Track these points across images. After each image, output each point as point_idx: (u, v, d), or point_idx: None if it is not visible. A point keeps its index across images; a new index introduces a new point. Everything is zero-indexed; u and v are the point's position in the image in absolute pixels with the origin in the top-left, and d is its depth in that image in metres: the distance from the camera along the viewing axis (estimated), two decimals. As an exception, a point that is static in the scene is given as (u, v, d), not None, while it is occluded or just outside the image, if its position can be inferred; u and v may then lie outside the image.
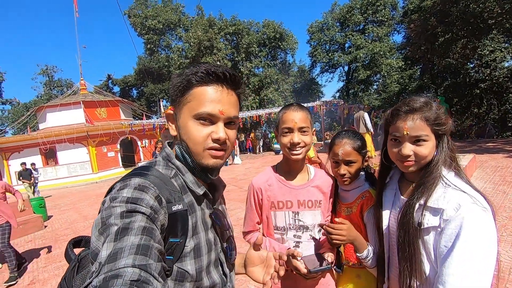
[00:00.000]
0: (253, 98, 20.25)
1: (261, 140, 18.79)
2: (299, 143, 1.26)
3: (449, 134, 1.08)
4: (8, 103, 28.62)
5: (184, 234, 0.72)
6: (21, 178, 9.98)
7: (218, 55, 17.70)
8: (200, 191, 0.79)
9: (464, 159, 6.35)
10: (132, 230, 0.56)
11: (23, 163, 10.13)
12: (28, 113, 19.39)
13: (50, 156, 15.23)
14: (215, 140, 0.75)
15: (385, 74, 21.36)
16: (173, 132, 0.81)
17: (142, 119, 17.76)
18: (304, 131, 1.28)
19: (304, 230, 1.32)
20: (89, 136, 15.02)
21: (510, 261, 3.03)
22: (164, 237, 0.67)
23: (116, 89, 29.82)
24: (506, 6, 10.35)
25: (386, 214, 1.20)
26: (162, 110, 21.73)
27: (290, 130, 1.28)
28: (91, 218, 7.14)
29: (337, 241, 1.22)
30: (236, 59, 20.04)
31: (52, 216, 7.94)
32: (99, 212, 0.65)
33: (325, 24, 23.73)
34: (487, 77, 14.25)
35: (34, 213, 6.81)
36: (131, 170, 0.77)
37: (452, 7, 10.20)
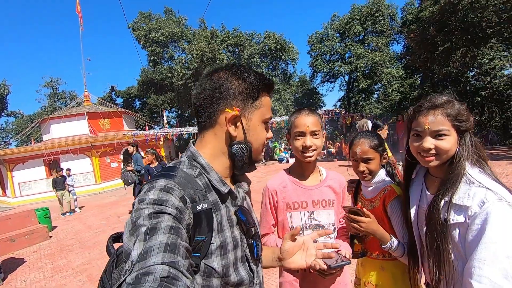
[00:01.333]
0: (255, 108, 20.44)
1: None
2: (311, 146, 1.32)
3: (471, 130, 1.09)
4: (13, 115, 28.95)
5: (210, 232, 0.74)
6: (55, 186, 9.31)
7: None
8: (225, 189, 0.81)
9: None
10: (160, 230, 0.59)
11: (60, 169, 9.57)
12: (32, 124, 19.58)
13: (53, 167, 15.27)
14: (268, 139, 0.90)
15: (386, 83, 21.57)
16: (234, 132, 0.80)
17: (145, 129, 17.90)
18: (316, 135, 1.34)
19: (320, 229, 1.36)
20: (92, 146, 15.12)
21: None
22: (190, 236, 0.69)
23: (119, 100, 30.11)
24: (504, 16, 10.56)
25: (413, 210, 1.23)
26: (165, 120, 21.91)
27: (303, 134, 1.33)
28: (95, 228, 7.13)
29: (356, 230, 1.29)
30: (238, 69, 20.33)
31: (56, 226, 7.94)
32: (130, 212, 0.69)
33: (325, 35, 24.13)
34: (487, 85, 14.35)
35: (39, 223, 6.82)
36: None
37: (450, 17, 10.41)
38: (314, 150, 1.33)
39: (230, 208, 0.83)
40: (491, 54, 13.00)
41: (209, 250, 0.73)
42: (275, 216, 1.42)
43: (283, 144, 17.91)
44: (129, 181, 6.86)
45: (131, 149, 7.27)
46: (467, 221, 1.00)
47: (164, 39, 21.24)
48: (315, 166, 1.44)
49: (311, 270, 1.27)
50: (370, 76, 22.21)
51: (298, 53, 23.22)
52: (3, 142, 26.81)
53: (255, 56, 20.35)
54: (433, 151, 1.07)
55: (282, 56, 22.51)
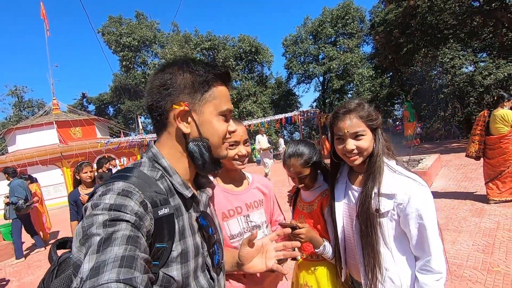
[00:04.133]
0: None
1: None
2: (244, 155, 1.38)
3: (381, 127, 1.24)
4: (-26, 126, 27.07)
5: (171, 239, 0.69)
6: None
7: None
8: (188, 193, 0.76)
9: (430, 159, 6.78)
10: (116, 240, 0.53)
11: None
12: (-4, 136, 18.44)
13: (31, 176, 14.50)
14: (231, 132, 0.83)
15: (358, 83, 22.36)
16: (186, 129, 0.75)
17: (120, 136, 17.39)
18: (247, 143, 1.40)
19: (257, 229, 1.42)
20: (63, 157, 14.49)
21: (468, 249, 3.29)
22: (150, 243, 0.64)
23: (92, 107, 29.10)
24: (460, 18, 11.34)
25: (339, 205, 1.33)
26: (141, 126, 21.39)
27: (236, 143, 1.37)
28: (66, 241, 6.86)
29: (298, 240, 1.34)
30: (214, 73, 20.30)
31: (24, 242, 7.55)
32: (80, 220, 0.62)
33: (299, 37, 24.66)
34: (449, 83, 15.24)
35: (4, 239, 6.47)
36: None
37: (411, 20, 11.04)
38: (247, 157, 1.40)
39: (193, 213, 0.79)
40: (451, 53, 13.84)
41: (169, 258, 0.69)
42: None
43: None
44: (7, 216, 5.76)
45: (6, 176, 6.03)
46: (395, 208, 1.15)
47: (136, 43, 20.80)
48: (241, 172, 1.50)
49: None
50: (343, 76, 22.95)
51: (272, 55, 23.50)
52: (-37, 156, 24.98)
53: (230, 60, 20.40)
54: (355, 151, 1.19)
55: (257, 59, 22.71)
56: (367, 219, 1.17)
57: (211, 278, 0.81)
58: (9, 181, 5.92)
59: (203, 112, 0.77)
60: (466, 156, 4.90)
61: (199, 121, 0.77)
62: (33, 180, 6.92)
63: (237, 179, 1.47)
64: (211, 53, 20.32)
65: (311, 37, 24.75)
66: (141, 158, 0.79)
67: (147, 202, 0.65)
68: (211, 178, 1.47)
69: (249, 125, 17.56)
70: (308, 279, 1.51)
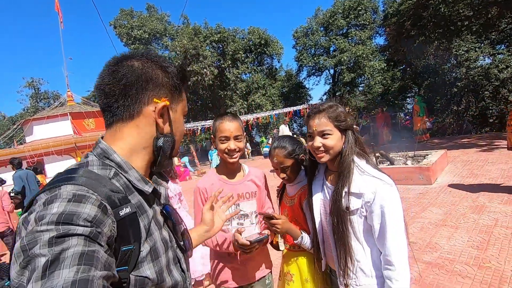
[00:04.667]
0: (241, 104, 20.53)
1: (246, 144, 18.82)
2: (235, 149, 1.51)
3: (352, 129, 1.32)
4: (-6, 117, 28.25)
5: (137, 239, 0.65)
6: None
7: (204, 62, 17.94)
8: (149, 188, 0.73)
9: (435, 155, 6.71)
10: (65, 261, 0.47)
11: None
12: (14, 126, 19.20)
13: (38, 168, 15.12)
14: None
15: (369, 76, 21.95)
16: (162, 124, 0.75)
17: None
18: (238, 138, 1.51)
19: (245, 217, 1.57)
20: (77, 147, 14.99)
21: (462, 244, 3.33)
22: (115, 248, 0.60)
23: (105, 99, 29.68)
24: (476, 9, 10.95)
25: (316, 200, 1.43)
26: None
27: (227, 138, 1.50)
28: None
29: (275, 231, 1.47)
30: (223, 66, 20.33)
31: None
32: (17, 235, 0.54)
33: (310, 29, 24.27)
34: (463, 76, 14.82)
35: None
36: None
37: (424, 11, 10.73)
38: (238, 152, 1.52)
39: (156, 208, 0.77)
40: (466, 46, 13.42)
41: (138, 259, 0.65)
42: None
43: (270, 139, 18.11)
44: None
45: (12, 167, 6.09)
46: (363, 206, 1.24)
47: (147, 36, 20.99)
48: (238, 165, 1.64)
49: (235, 248, 1.48)
50: (354, 69, 22.52)
51: (282, 47, 23.26)
52: (-15, 145, 26.17)
53: (240, 52, 20.35)
54: (322, 148, 1.28)
55: (267, 51, 22.55)
56: (338, 215, 1.26)
57: (182, 270, 0.81)
58: (14, 172, 6.12)
59: (177, 110, 0.80)
60: (508, 149, 4.90)
61: (173, 119, 0.79)
62: (38, 172, 7.14)
63: (232, 171, 1.62)
64: (220, 46, 20.31)
65: (322, 28, 24.31)
66: (85, 157, 0.72)
67: (106, 204, 0.59)
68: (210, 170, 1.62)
69: (258, 118, 17.64)
70: (291, 267, 1.63)
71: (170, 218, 0.80)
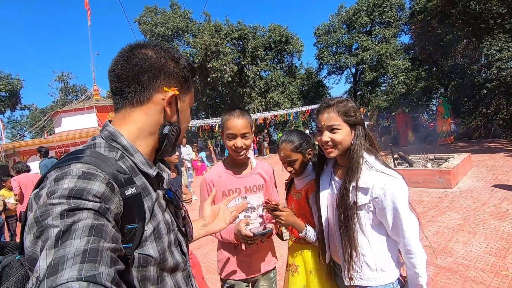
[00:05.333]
0: (259, 101, 20.59)
1: (264, 142, 18.70)
2: (241, 147, 1.51)
3: (362, 124, 1.30)
4: (27, 108, 29.97)
5: (141, 218, 0.68)
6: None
7: (224, 59, 18.12)
8: (153, 172, 0.76)
9: (458, 158, 6.45)
10: (76, 232, 0.49)
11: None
12: (45, 118, 20.32)
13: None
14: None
15: (392, 75, 21.28)
16: (170, 113, 0.77)
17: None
18: (246, 136, 1.52)
19: (252, 210, 1.60)
20: (101, 139, 15.67)
21: (479, 251, 3.21)
22: (121, 225, 0.63)
23: (128, 93, 30.69)
24: (510, 6, 10.29)
25: (323, 194, 1.43)
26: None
27: (234, 136, 1.50)
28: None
29: (279, 222, 1.49)
30: (242, 63, 20.45)
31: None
32: (29, 209, 0.56)
33: (332, 27, 23.84)
34: (494, 77, 14.05)
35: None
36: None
37: (452, 8, 10.23)
38: (245, 149, 1.53)
39: (159, 192, 0.80)
40: (499, 45, 12.70)
41: (142, 238, 0.68)
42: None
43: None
44: None
45: (39, 155, 6.35)
46: (371, 201, 1.24)
47: (170, 33, 21.45)
48: (246, 158, 1.66)
49: (241, 243, 1.53)
50: (377, 68, 21.93)
51: (303, 45, 23.06)
52: (18, 135, 27.91)
53: (260, 49, 20.37)
54: (330, 143, 1.28)
55: (287, 49, 22.44)
56: (345, 210, 1.26)
57: (183, 253, 0.84)
58: (41, 160, 6.39)
59: (184, 101, 0.82)
60: None
61: (181, 108, 0.80)
62: None
63: (240, 164, 1.63)
64: (240, 43, 20.43)
65: (344, 26, 23.82)
66: (92, 140, 0.75)
67: (113, 182, 0.62)
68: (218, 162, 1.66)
69: (275, 116, 17.61)
70: (296, 259, 1.65)
71: (172, 202, 0.82)
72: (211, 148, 16.74)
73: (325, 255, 1.47)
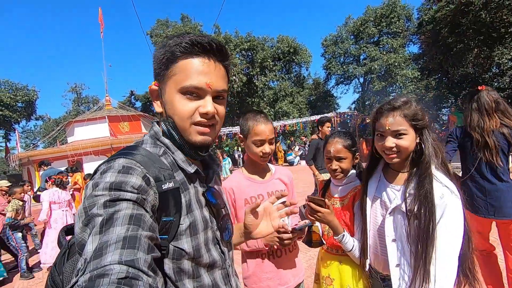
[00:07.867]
0: (268, 111, 20.72)
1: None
2: (269, 152, 1.48)
3: (428, 128, 1.20)
4: (41, 119, 30.80)
5: (178, 212, 0.70)
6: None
7: (233, 70, 18.42)
8: (191, 169, 0.76)
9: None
10: (117, 220, 0.54)
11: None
12: (58, 127, 20.81)
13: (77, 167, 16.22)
14: (202, 115, 0.72)
15: (401, 85, 21.22)
16: (158, 108, 0.78)
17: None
18: (272, 142, 1.48)
19: None
20: (113, 148, 15.88)
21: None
22: (156, 217, 0.66)
23: (138, 104, 31.29)
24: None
25: (370, 199, 1.32)
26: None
27: (263, 142, 1.45)
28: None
29: (314, 217, 1.37)
30: (251, 73, 20.72)
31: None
32: (84, 198, 0.62)
33: (339, 37, 24.11)
34: (507, 86, 13.88)
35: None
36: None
37: (463, 18, 10.25)
38: (270, 154, 1.49)
39: (199, 188, 0.80)
40: (511, 54, 12.59)
41: (178, 231, 0.70)
42: (235, 213, 1.52)
43: (297, 147, 17.97)
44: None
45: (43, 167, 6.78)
46: None
47: (180, 45, 21.95)
48: (266, 165, 1.62)
49: (271, 247, 1.47)
50: (385, 77, 21.93)
51: (311, 56, 23.31)
52: (32, 144, 28.61)
53: (268, 60, 20.65)
54: (394, 149, 1.17)
55: (295, 59, 22.71)
56: (424, 221, 1.09)
57: (222, 251, 0.83)
58: (43, 170, 6.77)
59: (165, 90, 0.74)
60: None
61: (164, 100, 0.75)
62: (74, 170, 7.67)
63: (261, 170, 1.59)
64: (249, 54, 20.76)
65: (352, 37, 24.05)
66: (143, 137, 0.80)
67: (150, 176, 0.66)
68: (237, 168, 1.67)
69: (285, 125, 17.66)
70: (331, 271, 1.52)
71: (211, 200, 0.81)
72: (220, 157, 16.82)
73: (365, 262, 1.36)
